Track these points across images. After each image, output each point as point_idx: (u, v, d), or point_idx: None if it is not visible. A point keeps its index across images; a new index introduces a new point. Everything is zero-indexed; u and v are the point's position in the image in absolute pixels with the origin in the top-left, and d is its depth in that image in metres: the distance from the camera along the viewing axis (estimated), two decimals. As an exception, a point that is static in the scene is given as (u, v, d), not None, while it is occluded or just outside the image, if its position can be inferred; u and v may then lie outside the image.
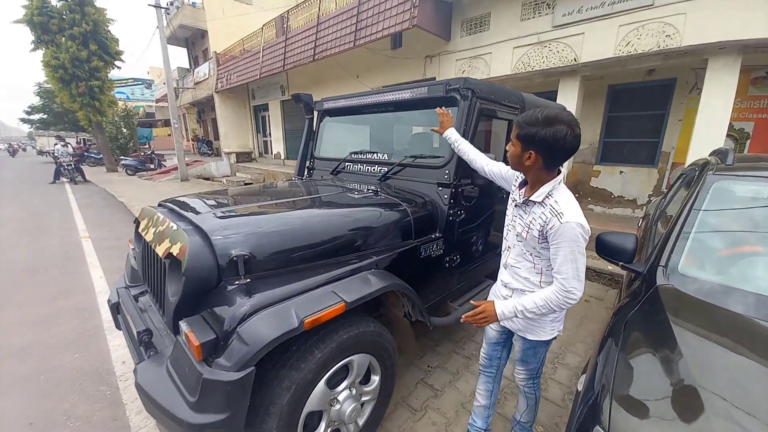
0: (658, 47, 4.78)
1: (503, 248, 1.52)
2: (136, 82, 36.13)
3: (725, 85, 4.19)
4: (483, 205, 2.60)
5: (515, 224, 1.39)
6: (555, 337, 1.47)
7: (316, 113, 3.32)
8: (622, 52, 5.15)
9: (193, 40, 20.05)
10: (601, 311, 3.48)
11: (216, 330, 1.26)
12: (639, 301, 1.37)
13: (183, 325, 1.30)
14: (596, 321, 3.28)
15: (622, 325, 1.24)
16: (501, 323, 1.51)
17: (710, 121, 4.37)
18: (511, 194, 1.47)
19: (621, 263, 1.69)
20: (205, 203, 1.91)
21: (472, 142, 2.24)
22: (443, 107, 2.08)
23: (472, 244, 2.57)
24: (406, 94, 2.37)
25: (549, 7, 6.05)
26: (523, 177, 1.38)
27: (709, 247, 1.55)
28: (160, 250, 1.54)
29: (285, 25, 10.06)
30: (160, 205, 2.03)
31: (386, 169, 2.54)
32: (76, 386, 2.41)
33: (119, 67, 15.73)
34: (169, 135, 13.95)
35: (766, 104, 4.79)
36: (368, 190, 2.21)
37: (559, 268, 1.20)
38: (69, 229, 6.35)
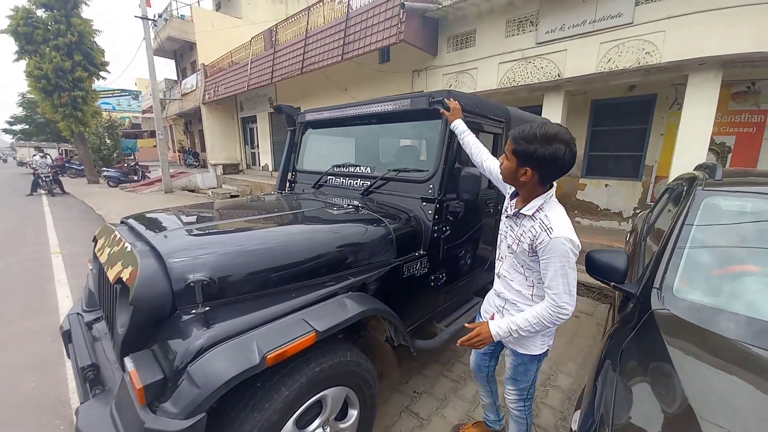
0: (638, 64, 4.89)
1: (497, 257, 1.51)
2: (123, 93, 35.68)
3: (706, 99, 4.27)
4: (470, 221, 2.51)
5: (507, 235, 1.38)
6: (546, 352, 1.44)
7: (298, 125, 3.22)
8: (604, 69, 5.25)
9: (182, 52, 19.95)
10: (591, 327, 3.40)
11: (165, 368, 1.11)
12: (634, 327, 1.27)
13: (128, 363, 1.14)
14: (587, 337, 3.19)
15: (618, 356, 1.13)
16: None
17: (692, 135, 4.44)
18: (505, 204, 1.47)
19: (612, 283, 1.60)
20: (171, 220, 1.76)
21: (457, 156, 2.16)
22: (452, 99, 1.99)
23: (458, 260, 2.47)
24: (388, 106, 2.30)
25: (532, 25, 6.17)
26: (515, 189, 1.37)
27: (702, 266, 1.48)
28: (111, 274, 1.38)
29: (273, 39, 10.07)
30: (122, 221, 1.88)
31: (369, 183, 2.44)
32: (29, 418, 2.20)
33: (104, 78, 15.51)
34: (155, 146, 13.67)
35: (746, 118, 4.90)
36: (348, 205, 2.10)
37: (550, 283, 1.19)
38: (40, 245, 6.03)
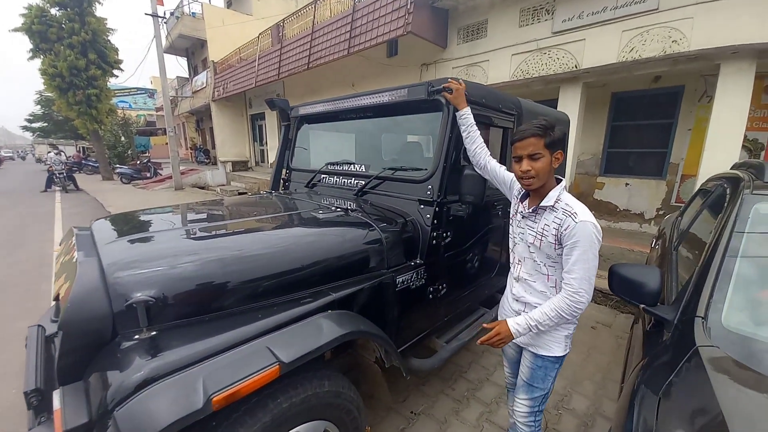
0: (664, 52, 4.51)
1: (512, 261, 1.48)
2: (139, 92, 36.39)
3: (739, 91, 3.87)
4: (475, 224, 2.27)
5: (525, 235, 1.36)
6: (565, 355, 1.38)
7: (292, 120, 3.02)
8: (626, 59, 4.88)
9: (193, 49, 20.05)
10: (610, 341, 3.11)
11: (92, 408, 0.92)
12: (673, 368, 1.02)
13: (55, 398, 0.96)
14: (605, 352, 2.90)
15: (654, 410, 0.88)
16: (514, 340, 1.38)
17: (724, 130, 4.05)
18: (512, 208, 1.47)
19: (642, 306, 1.34)
20: (141, 223, 1.58)
21: (460, 154, 1.92)
22: (456, 79, 1.78)
23: (462, 269, 2.23)
24: (384, 98, 2.07)
25: (548, 13, 5.81)
26: (524, 190, 1.38)
27: (758, 289, 1.20)
28: (54, 289, 1.20)
29: (280, 34, 9.92)
30: (90, 224, 1.71)
31: (364, 182, 2.22)
32: (7, 427, 2.12)
33: (116, 76, 15.69)
34: (167, 144, 13.78)
35: None
36: (337, 208, 1.88)
37: (571, 267, 1.19)
38: (45, 241, 6.04)
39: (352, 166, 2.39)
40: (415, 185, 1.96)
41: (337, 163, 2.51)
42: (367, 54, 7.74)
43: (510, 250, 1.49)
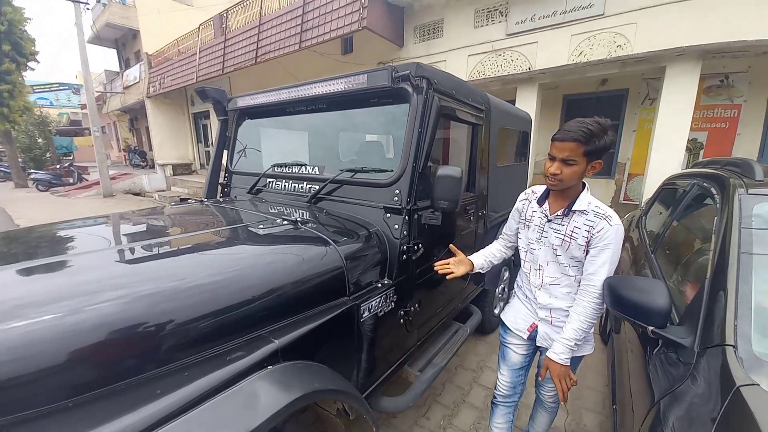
0: (610, 56, 4.68)
1: (528, 269, 1.43)
2: (62, 87, 32.20)
3: (684, 92, 4.09)
4: (448, 233, 2.01)
5: (549, 238, 1.32)
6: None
7: (231, 114, 2.57)
8: (576, 62, 5.01)
9: (124, 40, 18.08)
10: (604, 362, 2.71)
11: None
12: (712, 414, 0.80)
13: None
14: (603, 374, 2.62)
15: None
16: (539, 342, 1.44)
17: (669, 129, 4.26)
18: (527, 212, 1.42)
19: (651, 329, 1.14)
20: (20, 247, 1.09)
21: (429, 152, 1.63)
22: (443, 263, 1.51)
23: (435, 284, 1.96)
24: (339, 85, 1.72)
25: (502, 15, 5.86)
26: (541, 193, 1.37)
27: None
28: None
29: (224, 25, 9.12)
30: None
31: (318, 187, 1.86)
32: None
33: (32, 69, 13.59)
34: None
35: (719, 113, 4.84)
36: (285, 220, 1.51)
37: (599, 269, 1.21)
38: None
39: (304, 168, 2.02)
40: (379, 190, 1.64)
41: (285, 165, 2.12)
42: (321, 50, 7.31)
43: (524, 259, 1.44)
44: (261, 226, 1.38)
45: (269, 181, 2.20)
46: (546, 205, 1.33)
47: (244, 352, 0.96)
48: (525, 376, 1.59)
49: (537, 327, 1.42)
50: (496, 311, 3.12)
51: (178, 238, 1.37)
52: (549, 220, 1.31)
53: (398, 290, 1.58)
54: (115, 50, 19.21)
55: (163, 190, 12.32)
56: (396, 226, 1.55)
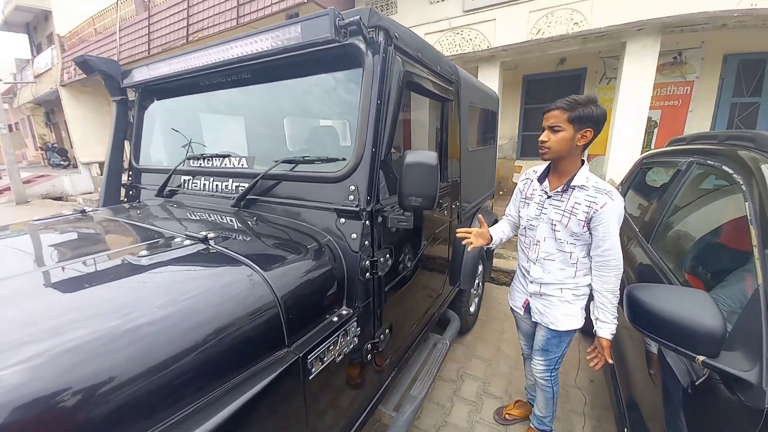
0: (567, 33, 4.54)
1: (526, 245, 1.47)
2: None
3: (644, 67, 4.03)
4: (422, 233, 1.63)
5: (549, 214, 1.35)
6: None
7: (135, 93, 1.97)
8: (537, 38, 4.83)
9: (35, 23, 15.55)
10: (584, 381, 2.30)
11: None
12: None
13: None
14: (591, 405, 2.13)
15: None
16: (534, 320, 1.51)
17: (630, 107, 4.20)
18: (527, 190, 1.46)
19: (701, 358, 0.85)
20: None
21: (393, 133, 1.23)
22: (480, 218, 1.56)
23: (409, 300, 1.58)
24: (265, 42, 1.25)
25: (458, -10, 5.53)
26: (541, 171, 1.41)
27: None
28: None
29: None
30: None
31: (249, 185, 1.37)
32: None
33: None
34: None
35: (672, 91, 4.91)
36: (189, 238, 1.02)
37: (612, 244, 1.24)
38: None
39: (228, 159, 1.52)
40: (329, 186, 1.21)
41: (202, 157, 1.60)
42: (263, 26, 6.54)
43: (524, 234, 1.47)
44: (145, 253, 0.90)
45: (185, 180, 1.67)
46: (546, 182, 1.36)
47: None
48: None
49: (529, 303, 1.49)
50: (472, 309, 2.85)
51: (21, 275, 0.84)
52: (549, 197, 1.35)
53: (362, 319, 1.17)
54: (26, 35, 16.45)
55: (90, 192, 10.81)
56: (354, 235, 1.14)
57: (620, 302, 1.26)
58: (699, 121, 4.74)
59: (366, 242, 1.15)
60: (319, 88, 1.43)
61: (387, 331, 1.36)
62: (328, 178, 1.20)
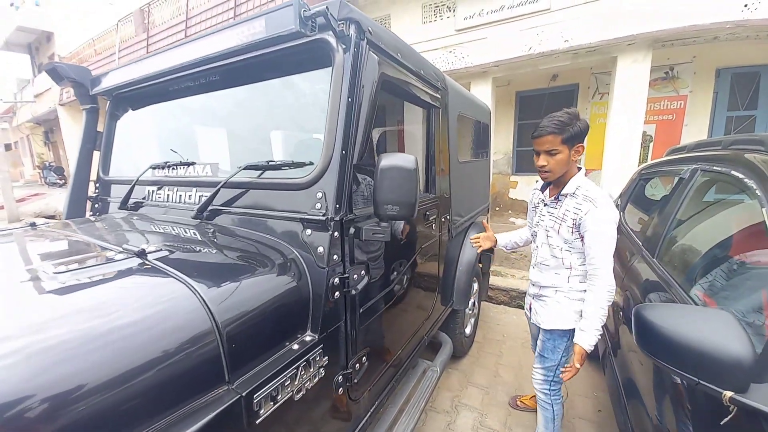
0: (558, 49, 4.56)
1: (532, 250, 1.56)
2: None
3: (637, 82, 4.00)
4: (405, 248, 1.49)
5: (545, 221, 1.42)
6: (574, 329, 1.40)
7: (109, 102, 1.88)
8: (525, 54, 4.86)
9: (38, 44, 15.90)
10: (588, 410, 2.05)
11: None
12: None
13: None
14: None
15: None
16: (532, 320, 1.57)
17: (624, 121, 4.15)
18: (535, 199, 1.55)
19: (728, 394, 0.70)
20: None
21: (368, 135, 1.11)
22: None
23: (392, 322, 1.42)
24: (231, 39, 1.15)
25: (450, 10, 5.64)
26: (543, 182, 1.46)
27: None
28: None
29: (146, 20, 8.06)
30: None
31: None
32: None
33: None
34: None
35: (666, 105, 4.89)
36: (127, 252, 0.88)
37: (597, 254, 1.27)
38: None
39: (191, 167, 1.39)
40: (295, 193, 1.08)
41: (164, 166, 1.48)
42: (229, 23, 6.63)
43: (533, 239, 1.55)
44: (62, 269, 0.75)
45: (149, 191, 1.54)
46: (547, 191, 1.44)
47: None
48: None
49: (532, 305, 1.55)
50: (468, 330, 2.67)
51: None
52: (546, 205, 1.43)
53: (330, 347, 1.01)
54: (28, 56, 16.80)
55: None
56: (320, 249, 0.99)
57: (630, 323, 1.12)
58: (695, 134, 4.70)
59: (335, 256, 1.01)
60: (291, 90, 1.33)
61: (364, 359, 1.20)
62: (294, 185, 1.07)
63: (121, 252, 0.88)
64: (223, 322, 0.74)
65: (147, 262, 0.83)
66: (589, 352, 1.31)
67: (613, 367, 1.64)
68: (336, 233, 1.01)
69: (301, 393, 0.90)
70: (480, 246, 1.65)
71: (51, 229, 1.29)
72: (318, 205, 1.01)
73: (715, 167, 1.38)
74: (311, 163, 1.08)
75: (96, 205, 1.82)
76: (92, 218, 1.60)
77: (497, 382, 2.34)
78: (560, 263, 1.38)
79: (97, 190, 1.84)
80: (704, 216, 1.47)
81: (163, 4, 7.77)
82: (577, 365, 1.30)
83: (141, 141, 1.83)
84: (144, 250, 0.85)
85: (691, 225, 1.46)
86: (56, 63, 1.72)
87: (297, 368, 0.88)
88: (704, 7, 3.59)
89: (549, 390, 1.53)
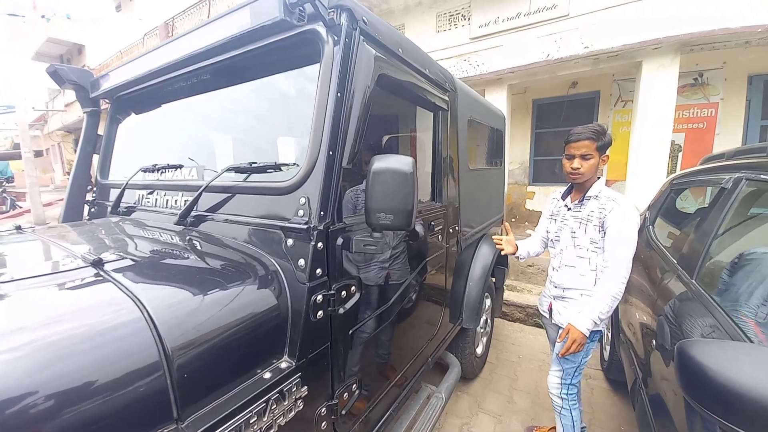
0: (578, 55, 4.38)
1: (552, 256, 1.61)
2: (8, 109, 29.58)
3: (664, 88, 3.75)
4: (409, 261, 1.36)
5: (569, 224, 1.50)
6: (600, 332, 1.46)
7: (111, 105, 1.86)
8: (542, 60, 4.70)
9: (69, 56, 16.83)
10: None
11: None
12: None
13: None
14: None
15: None
16: (553, 321, 1.59)
17: (650, 129, 3.90)
18: (554, 207, 1.64)
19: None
20: None
21: (360, 134, 1.00)
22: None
23: (386, 344, 1.28)
24: (217, 32, 1.07)
25: (465, 19, 5.56)
26: (564, 190, 1.61)
27: None
28: None
29: (170, 33, 8.36)
30: None
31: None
32: None
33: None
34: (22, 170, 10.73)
35: (696, 113, 4.60)
36: (84, 262, 0.79)
37: (617, 251, 1.34)
38: None
39: (179, 171, 1.32)
40: (278, 198, 0.97)
41: (153, 169, 1.41)
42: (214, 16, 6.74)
43: (551, 246, 1.63)
44: (6, 278, 0.66)
45: (141, 195, 1.48)
46: (568, 198, 1.55)
47: None
48: None
49: (552, 305, 1.58)
50: (479, 351, 2.47)
51: None
52: (569, 209, 1.51)
53: (311, 375, 0.88)
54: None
55: (105, 216, 11.00)
56: (302, 261, 0.88)
57: (672, 361, 0.93)
58: (728, 144, 4.37)
59: (318, 270, 0.89)
60: (283, 89, 1.24)
61: (354, 386, 1.06)
62: (276, 189, 0.96)
63: (77, 260, 0.78)
64: (174, 346, 0.63)
65: (101, 273, 0.74)
66: (582, 335, 1.35)
67: (644, 400, 1.43)
68: (320, 244, 0.89)
69: (272, 431, 0.77)
70: (502, 249, 1.68)
71: (31, 235, 1.23)
72: (301, 212, 0.90)
73: (762, 176, 1.20)
74: (295, 165, 0.97)
75: (92, 209, 1.78)
76: (80, 223, 1.55)
77: (511, 410, 2.14)
78: (586, 264, 1.44)
79: (94, 194, 1.81)
80: (751, 229, 1.28)
81: (186, 18, 8.05)
82: (571, 348, 1.35)
83: (137, 144, 1.78)
84: (101, 259, 0.76)
85: (737, 240, 1.27)
86: (57, 65, 1.70)
87: (267, 402, 0.75)
88: (735, 10, 3.36)
89: (567, 395, 1.52)
